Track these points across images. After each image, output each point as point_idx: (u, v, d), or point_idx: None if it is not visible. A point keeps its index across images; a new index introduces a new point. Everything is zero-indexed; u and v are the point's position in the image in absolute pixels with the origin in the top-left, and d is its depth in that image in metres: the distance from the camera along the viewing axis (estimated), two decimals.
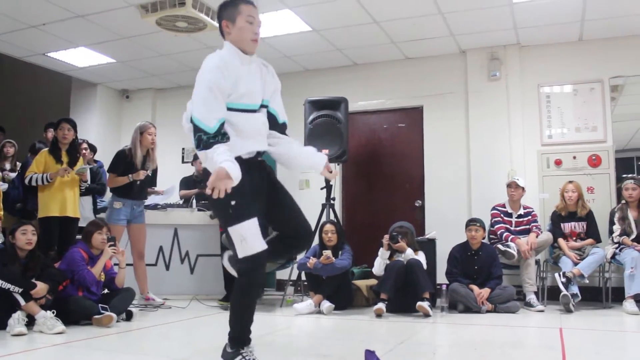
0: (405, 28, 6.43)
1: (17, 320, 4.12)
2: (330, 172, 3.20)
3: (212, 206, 2.85)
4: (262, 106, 3.05)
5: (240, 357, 2.81)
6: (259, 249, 2.76)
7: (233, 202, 2.74)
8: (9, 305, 4.21)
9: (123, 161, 5.73)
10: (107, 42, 6.85)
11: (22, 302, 4.23)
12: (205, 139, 2.66)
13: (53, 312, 4.26)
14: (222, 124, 2.72)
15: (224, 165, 2.57)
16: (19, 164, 6.99)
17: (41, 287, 4.38)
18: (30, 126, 8.74)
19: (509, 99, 6.87)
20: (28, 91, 9.81)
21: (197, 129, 2.69)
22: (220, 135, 2.69)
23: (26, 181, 5.44)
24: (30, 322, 4.23)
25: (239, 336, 2.87)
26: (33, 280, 4.40)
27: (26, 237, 4.54)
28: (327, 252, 5.60)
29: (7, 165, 6.73)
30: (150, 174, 5.89)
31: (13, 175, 6.40)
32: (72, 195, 5.57)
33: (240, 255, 2.76)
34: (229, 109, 2.81)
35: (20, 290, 4.26)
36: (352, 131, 6.92)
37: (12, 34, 6.52)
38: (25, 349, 3.78)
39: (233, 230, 2.77)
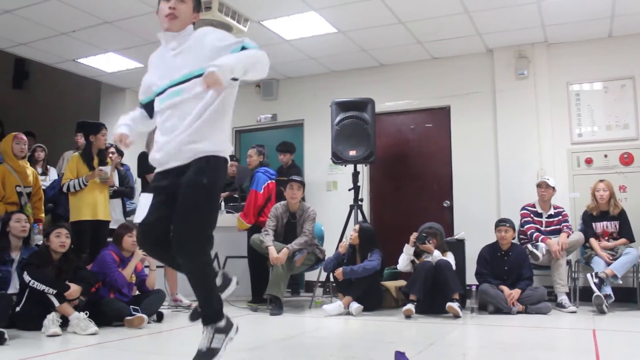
0: (431, 28, 6.40)
1: (51, 321, 4.20)
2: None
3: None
4: (186, 81, 2.83)
5: (222, 335, 2.74)
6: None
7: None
8: (44, 307, 4.30)
9: (147, 161, 5.79)
10: (135, 47, 6.94)
11: (56, 303, 4.32)
12: None
13: (86, 314, 4.34)
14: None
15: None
16: (49, 168, 7.14)
17: (75, 289, 4.47)
18: (61, 131, 8.89)
19: (537, 98, 6.79)
20: (58, 97, 9.98)
21: None
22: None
23: (64, 189, 5.55)
24: (65, 323, 4.32)
25: (219, 308, 2.79)
26: (67, 282, 4.49)
27: (60, 239, 4.63)
28: (343, 243, 5.81)
29: (39, 169, 6.86)
30: None
31: (42, 178, 6.55)
32: (102, 198, 5.66)
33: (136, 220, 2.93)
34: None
35: (55, 291, 4.35)
36: (379, 132, 6.91)
37: (43, 41, 6.64)
38: (59, 349, 3.86)
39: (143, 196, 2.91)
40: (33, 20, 6.05)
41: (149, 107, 3.03)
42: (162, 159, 2.85)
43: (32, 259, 4.55)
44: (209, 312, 2.78)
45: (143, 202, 2.80)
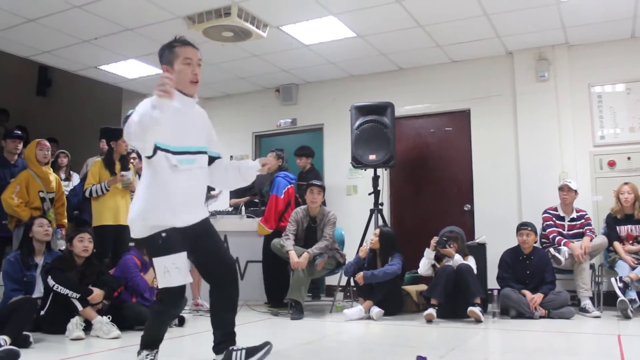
0: (450, 31, 6.38)
1: (75, 325, 4.26)
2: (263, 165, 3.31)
3: (144, 242, 3.05)
4: (199, 152, 3.09)
5: (145, 352, 3.09)
6: (178, 283, 2.95)
7: (164, 234, 2.92)
8: (68, 311, 4.36)
9: None
10: (155, 54, 6.90)
11: (79, 307, 4.38)
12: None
13: (109, 318, 4.39)
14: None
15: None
16: (72, 174, 7.24)
17: (97, 293, 4.52)
18: (83, 137, 9.01)
19: (559, 100, 6.72)
20: (81, 103, 10.12)
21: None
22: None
23: (86, 194, 5.62)
24: (88, 326, 4.38)
25: (147, 342, 3.12)
26: (89, 287, 4.54)
27: (83, 244, 4.69)
28: (363, 247, 5.83)
29: (62, 175, 6.96)
30: None
31: (65, 184, 6.64)
32: (124, 203, 5.71)
33: (160, 285, 2.95)
34: (161, 149, 2.91)
35: (78, 295, 4.41)
36: (398, 136, 6.89)
37: (66, 49, 6.75)
38: (83, 352, 3.90)
39: (157, 262, 2.92)
40: (56, 29, 6.15)
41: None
42: (188, 219, 3.02)
43: (56, 264, 4.61)
44: (233, 333, 3.17)
45: (164, 266, 2.89)
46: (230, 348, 3.07)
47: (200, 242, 3.07)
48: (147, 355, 3.10)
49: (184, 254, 2.94)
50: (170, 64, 2.97)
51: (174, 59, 2.97)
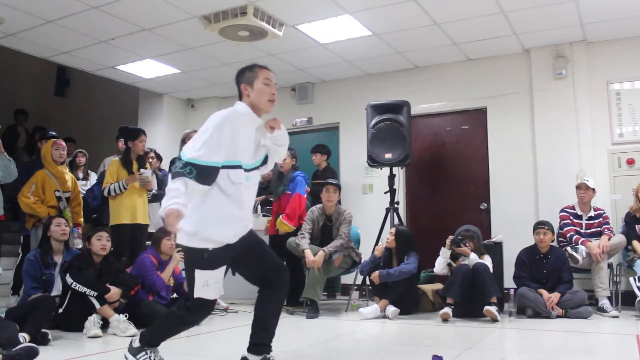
0: (466, 29, 6.34)
1: (93, 323, 4.30)
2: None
3: (187, 250, 3.02)
4: (256, 168, 3.17)
5: (143, 353, 3.08)
6: (214, 297, 3.02)
7: (212, 249, 2.92)
8: (86, 309, 4.41)
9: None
10: (172, 54, 7.06)
11: (97, 305, 4.43)
12: (176, 168, 2.80)
13: (126, 316, 4.43)
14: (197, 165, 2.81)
15: (173, 206, 2.68)
16: (90, 173, 7.31)
17: (115, 292, 4.57)
18: (100, 136, 9.11)
19: (576, 98, 6.66)
20: (98, 103, 10.23)
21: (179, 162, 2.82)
22: (189, 167, 2.77)
23: (105, 193, 5.68)
24: (105, 324, 4.42)
25: (151, 340, 3.11)
26: (107, 285, 4.59)
27: (101, 242, 4.74)
28: (379, 246, 5.83)
29: (80, 174, 7.05)
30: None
31: (83, 183, 6.72)
32: (141, 202, 5.76)
33: (197, 295, 2.96)
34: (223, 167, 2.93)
35: (96, 294, 4.46)
36: (414, 134, 6.87)
37: (84, 49, 6.82)
38: (100, 350, 3.95)
39: (200, 274, 2.94)
40: (74, 30, 6.22)
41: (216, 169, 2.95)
42: (238, 233, 3.03)
43: (74, 262, 4.66)
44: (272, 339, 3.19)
45: (205, 279, 2.95)
46: (267, 356, 3.10)
47: (247, 249, 3.10)
48: (149, 353, 3.10)
49: (224, 269, 3.02)
50: (251, 83, 3.08)
51: (254, 78, 3.09)
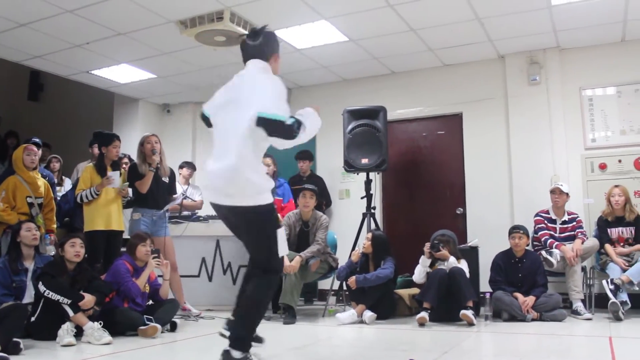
0: (442, 35, 6.40)
1: (66, 331, 4.22)
2: None
3: (261, 214, 3.08)
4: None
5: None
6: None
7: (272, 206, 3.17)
8: (59, 317, 4.33)
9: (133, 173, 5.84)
10: (148, 58, 7.00)
11: (70, 313, 4.34)
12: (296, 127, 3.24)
13: (100, 323, 4.36)
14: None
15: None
16: (64, 178, 7.22)
17: (89, 299, 4.49)
18: (75, 142, 8.98)
19: (550, 103, 6.75)
20: (73, 108, 10.09)
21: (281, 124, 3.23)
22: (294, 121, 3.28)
23: (78, 199, 5.59)
24: (79, 332, 4.34)
25: (247, 337, 3.06)
26: (81, 292, 4.51)
27: (74, 249, 4.66)
28: (356, 251, 5.86)
29: (54, 180, 6.94)
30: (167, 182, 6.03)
31: (57, 189, 6.62)
32: (116, 208, 5.69)
33: (281, 254, 3.12)
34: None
35: (69, 301, 4.37)
36: (391, 140, 6.90)
37: (58, 53, 6.73)
38: (74, 359, 3.88)
39: (280, 232, 3.14)
40: (47, 33, 6.13)
41: None
42: None
43: (47, 269, 4.58)
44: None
45: (282, 236, 3.19)
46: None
47: None
48: (250, 357, 3.02)
49: None
50: (278, 55, 3.53)
51: (278, 48, 3.51)
